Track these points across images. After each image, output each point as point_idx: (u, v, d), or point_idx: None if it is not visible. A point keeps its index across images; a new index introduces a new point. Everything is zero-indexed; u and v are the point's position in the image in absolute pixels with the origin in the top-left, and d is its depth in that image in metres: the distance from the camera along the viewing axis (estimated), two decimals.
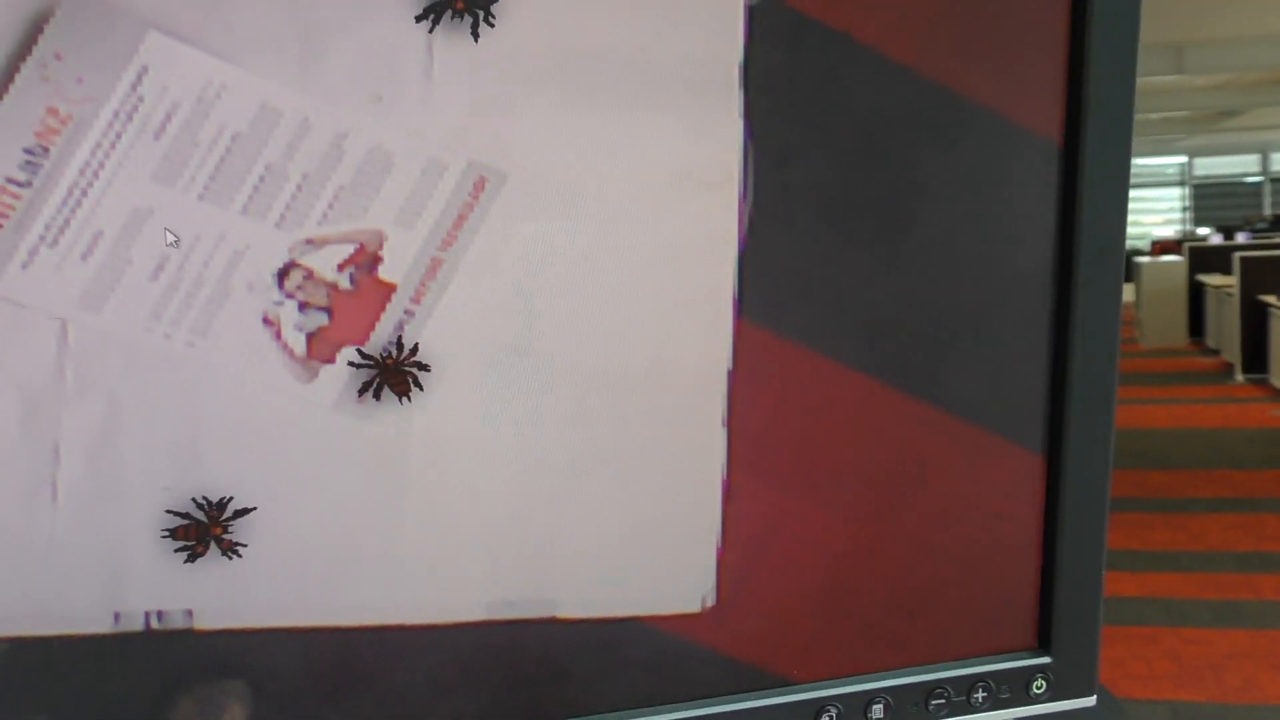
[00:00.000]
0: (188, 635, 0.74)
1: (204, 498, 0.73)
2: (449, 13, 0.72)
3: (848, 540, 0.85)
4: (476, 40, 0.72)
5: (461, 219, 0.74)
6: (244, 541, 0.74)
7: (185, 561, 0.73)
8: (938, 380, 0.85)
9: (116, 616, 0.73)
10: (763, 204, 0.79)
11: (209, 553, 0.73)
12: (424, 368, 0.75)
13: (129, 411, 0.71)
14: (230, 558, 0.74)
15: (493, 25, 0.72)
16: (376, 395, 0.74)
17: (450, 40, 0.72)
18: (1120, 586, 4.85)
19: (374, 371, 0.74)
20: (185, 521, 0.73)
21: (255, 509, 0.74)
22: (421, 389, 0.75)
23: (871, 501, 0.85)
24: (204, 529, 0.74)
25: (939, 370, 0.84)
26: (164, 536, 0.73)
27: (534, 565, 0.79)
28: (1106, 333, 0.85)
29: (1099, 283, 0.84)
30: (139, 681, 0.74)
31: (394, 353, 0.74)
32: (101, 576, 0.72)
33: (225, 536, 0.74)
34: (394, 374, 0.74)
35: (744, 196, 0.78)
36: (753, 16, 0.77)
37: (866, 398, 0.83)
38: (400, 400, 0.75)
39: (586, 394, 0.78)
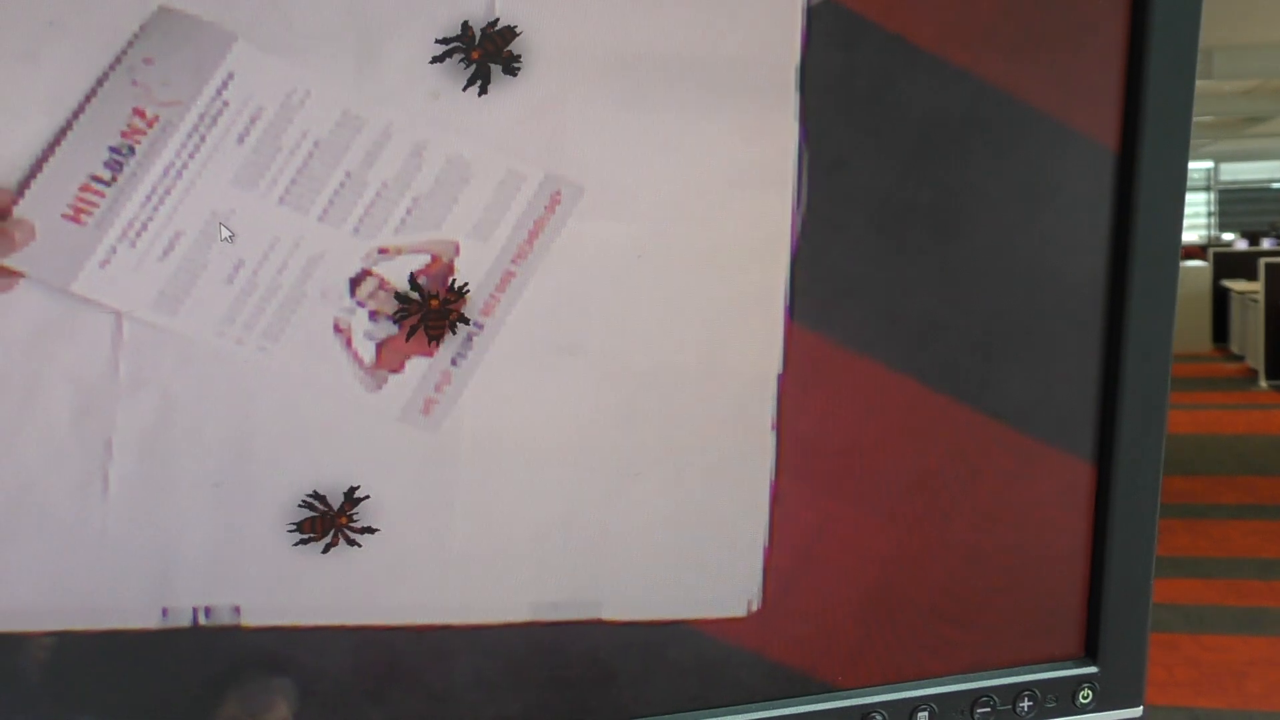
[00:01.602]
0: (235, 631, 0.74)
1: (317, 491, 0.74)
2: (461, 58, 0.71)
3: (895, 546, 0.84)
4: (481, 93, 0.72)
5: (535, 233, 0.74)
6: (373, 527, 0.75)
7: (322, 553, 0.74)
8: (988, 387, 0.84)
9: (165, 612, 0.73)
10: (816, 207, 0.78)
11: (337, 544, 0.75)
12: (464, 320, 0.74)
13: (184, 409, 0.71)
14: (355, 547, 0.75)
15: (484, 93, 0.72)
16: (410, 334, 0.74)
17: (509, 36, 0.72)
18: None
19: (416, 308, 0.73)
20: (310, 514, 0.74)
21: (368, 497, 0.74)
22: (454, 333, 0.74)
23: (919, 508, 0.84)
24: (329, 520, 0.74)
25: (990, 377, 0.84)
26: (290, 531, 0.73)
27: (580, 567, 0.79)
28: (1160, 342, 0.84)
29: (1154, 291, 0.83)
30: (186, 677, 0.74)
31: (440, 295, 0.74)
32: (150, 572, 0.72)
33: (350, 526, 0.75)
34: (435, 317, 0.74)
35: (798, 199, 0.78)
36: (811, 19, 0.76)
37: (916, 403, 0.83)
38: (429, 344, 0.74)
39: (636, 395, 0.78)
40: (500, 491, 0.77)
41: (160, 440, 0.70)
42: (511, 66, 0.72)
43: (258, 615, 0.74)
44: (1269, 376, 8.84)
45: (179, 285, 0.70)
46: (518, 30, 0.72)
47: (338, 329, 0.72)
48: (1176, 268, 0.83)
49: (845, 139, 0.78)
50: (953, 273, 0.82)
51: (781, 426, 0.80)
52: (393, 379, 0.74)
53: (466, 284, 0.74)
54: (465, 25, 0.71)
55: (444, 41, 0.71)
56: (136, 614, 0.72)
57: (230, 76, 0.69)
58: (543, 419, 0.77)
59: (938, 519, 0.85)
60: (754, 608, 0.82)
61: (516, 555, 0.78)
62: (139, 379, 0.70)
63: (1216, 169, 20.89)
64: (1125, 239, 0.83)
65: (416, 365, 0.74)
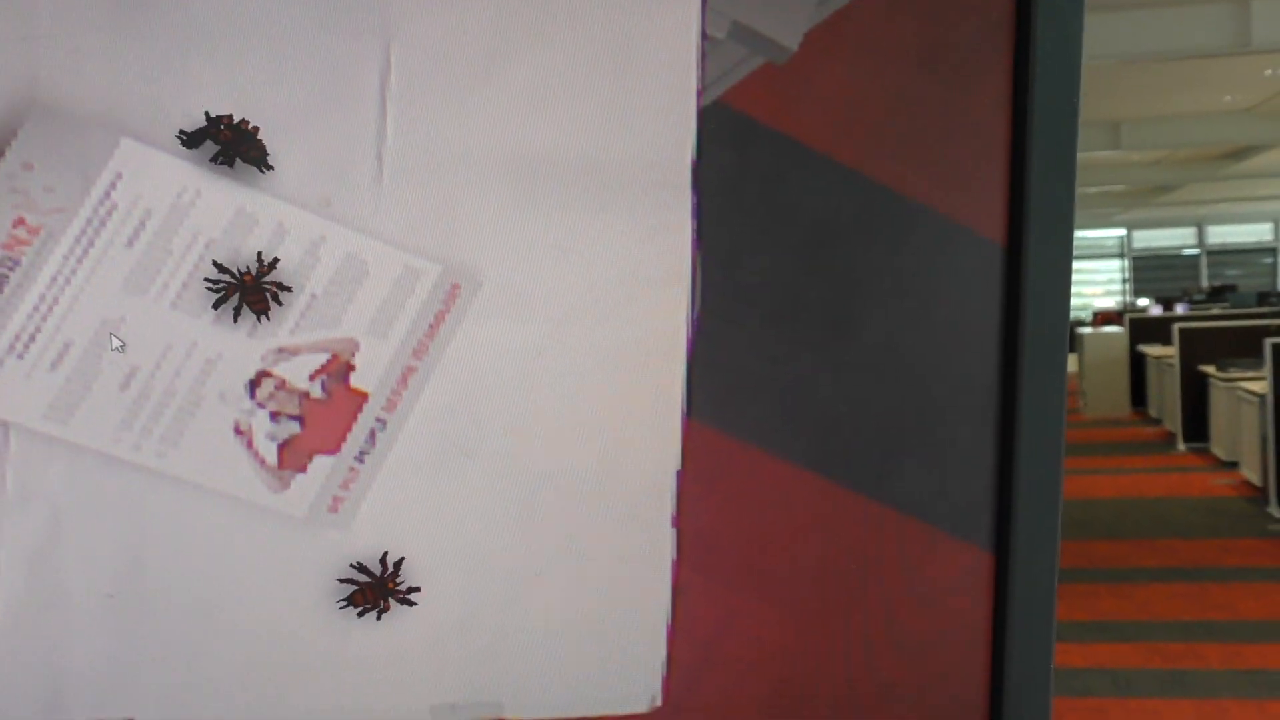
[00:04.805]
0: None
1: (359, 563, 0.74)
2: (210, 141, 0.71)
3: (797, 638, 0.85)
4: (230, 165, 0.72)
5: (436, 326, 0.74)
6: (417, 586, 0.76)
7: (376, 620, 0.75)
8: (886, 478, 0.85)
9: None
10: (711, 304, 0.80)
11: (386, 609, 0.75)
12: (284, 287, 0.73)
13: (75, 519, 0.70)
14: (409, 606, 0.75)
15: (265, 170, 0.72)
16: (235, 314, 0.72)
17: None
18: (1067, 657, 4.84)
19: (233, 287, 0.72)
20: (356, 587, 0.74)
21: (404, 558, 0.75)
22: (280, 305, 0.73)
23: (821, 599, 0.85)
24: (380, 588, 0.75)
25: (887, 468, 0.85)
26: (341, 607, 0.74)
27: (481, 666, 0.79)
28: (1051, 428, 0.85)
29: (1043, 379, 0.85)
30: None
31: (253, 269, 0.72)
32: (41, 687, 0.70)
33: (398, 589, 0.75)
34: (253, 291, 0.72)
35: (693, 297, 0.79)
36: (703, 120, 0.78)
37: (815, 496, 0.84)
38: (258, 319, 0.73)
39: (535, 495, 0.78)
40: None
41: (50, 553, 0.69)
42: (262, 161, 0.72)
43: None
44: (1186, 439, 9.00)
45: (71, 394, 0.69)
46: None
47: (238, 431, 0.72)
48: (1065, 358, 0.85)
49: (739, 237, 0.80)
50: (848, 366, 0.83)
51: (681, 522, 0.81)
52: (298, 479, 0.73)
53: (276, 257, 0.73)
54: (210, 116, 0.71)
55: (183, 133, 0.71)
56: None
57: (118, 177, 0.68)
58: (443, 519, 0.76)
59: (840, 610, 0.85)
60: (657, 703, 0.82)
61: (416, 656, 0.77)
62: (27, 492, 0.69)
63: (1130, 236, 21.38)
64: (1015, 331, 0.84)
65: (321, 464, 0.74)
